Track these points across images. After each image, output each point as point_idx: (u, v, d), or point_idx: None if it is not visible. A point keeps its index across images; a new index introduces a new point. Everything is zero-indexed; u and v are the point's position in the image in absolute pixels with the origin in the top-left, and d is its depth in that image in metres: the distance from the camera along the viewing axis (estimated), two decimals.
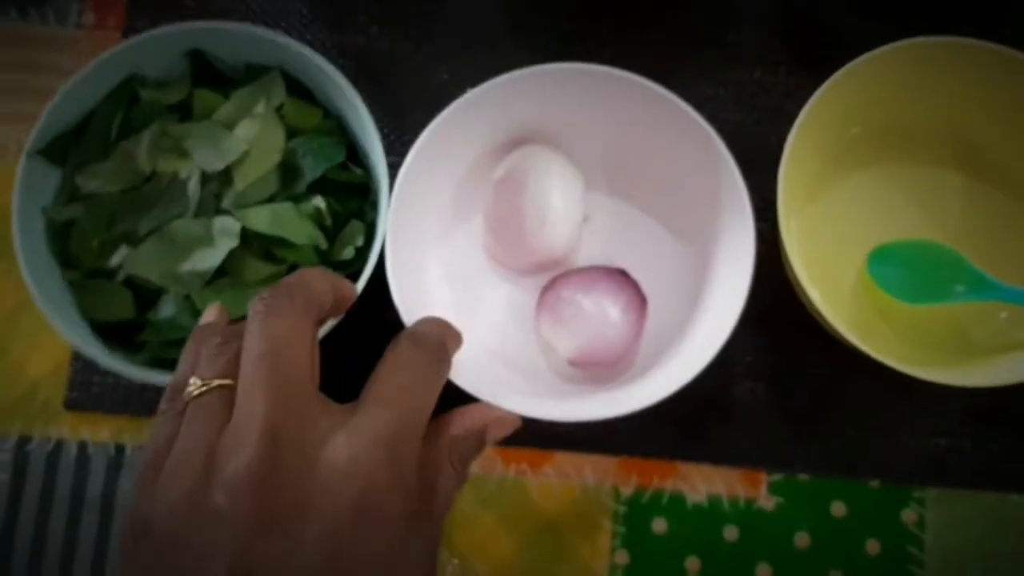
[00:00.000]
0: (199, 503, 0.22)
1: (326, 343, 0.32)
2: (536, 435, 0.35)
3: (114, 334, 0.35)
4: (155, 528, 0.22)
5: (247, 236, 0.34)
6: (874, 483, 0.37)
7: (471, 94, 0.34)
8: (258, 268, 0.34)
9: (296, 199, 0.35)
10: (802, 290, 0.33)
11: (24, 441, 0.39)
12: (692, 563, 0.37)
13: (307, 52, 0.35)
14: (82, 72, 0.35)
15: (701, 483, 0.38)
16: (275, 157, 0.35)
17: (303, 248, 0.34)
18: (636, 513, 0.37)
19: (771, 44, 0.41)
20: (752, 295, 0.38)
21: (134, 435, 0.39)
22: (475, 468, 0.38)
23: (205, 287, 0.34)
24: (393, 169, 0.34)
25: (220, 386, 0.25)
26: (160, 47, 0.36)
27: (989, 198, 0.38)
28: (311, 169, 0.35)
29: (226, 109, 0.36)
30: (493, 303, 0.38)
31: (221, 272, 0.34)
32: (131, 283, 0.35)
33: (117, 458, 0.39)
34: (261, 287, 0.34)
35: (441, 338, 0.29)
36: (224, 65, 0.37)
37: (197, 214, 0.34)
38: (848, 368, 0.37)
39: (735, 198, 0.34)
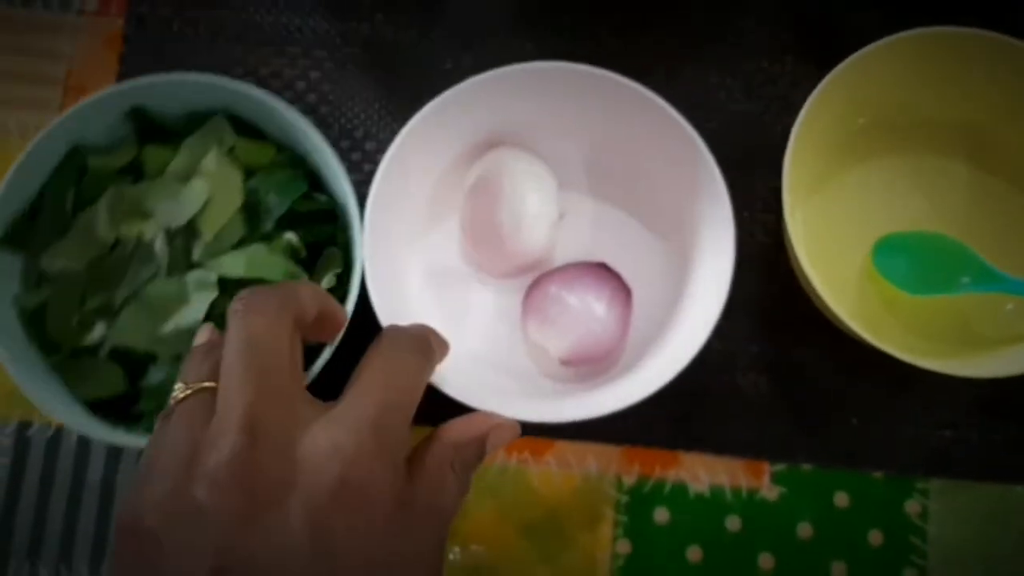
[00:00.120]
0: (182, 500, 0.22)
1: (312, 358, 0.32)
2: (538, 424, 0.35)
3: (109, 405, 0.34)
4: (141, 527, 0.22)
5: (226, 284, 0.33)
6: (877, 474, 0.37)
7: (442, 97, 0.34)
8: None
9: (266, 238, 0.34)
10: (807, 280, 0.33)
11: (24, 426, 0.39)
12: (694, 553, 0.37)
13: (250, 91, 0.34)
14: (24, 154, 0.34)
15: (704, 473, 0.37)
16: (237, 200, 0.34)
17: None
18: (638, 502, 0.37)
19: (778, 34, 0.41)
20: (757, 286, 0.39)
21: None
22: None
23: None
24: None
25: (204, 388, 0.25)
26: (99, 112, 0.35)
27: (995, 189, 0.38)
28: (276, 205, 0.34)
29: (178, 162, 0.35)
30: (478, 309, 0.38)
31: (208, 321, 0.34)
32: (117, 354, 0.34)
33: None
34: None
35: (423, 333, 0.29)
36: (167, 118, 0.36)
37: (170, 272, 0.34)
38: (852, 359, 0.37)
39: (713, 191, 0.34)
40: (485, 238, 0.36)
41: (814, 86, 0.34)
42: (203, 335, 0.29)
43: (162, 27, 0.42)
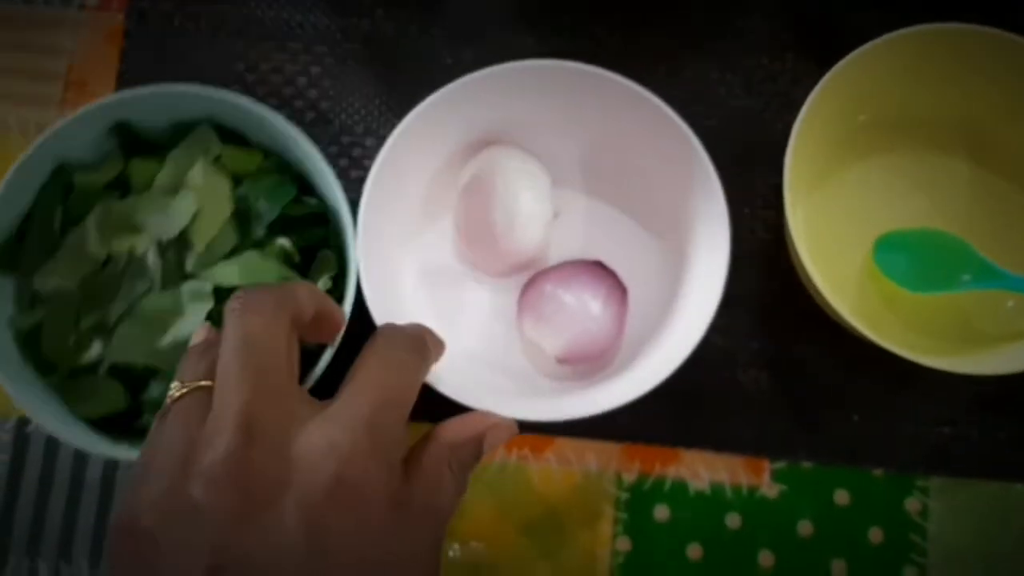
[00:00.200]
0: (178, 498, 0.22)
1: (308, 359, 0.32)
2: (535, 423, 0.35)
3: (111, 421, 0.34)
4: (137, 527, 0.22)
5: (221, 293, 0.33)
6: (878, 471, 0.37)
7: (435, 97, 0.34)
8: None
9: (259, 245, 0.34)
10: (807, 277, 0.33)
11: (24, 422, 0.39)
12: (694, 550, 0.37)
13: (234, 98, 0.34)
14: (9, 175, 0.33)
15: (704, 470, 0.37)
16: (227, 209, 0.34)
17: None
18: (638, 500, 0.37)
19: (779, 30, 0.41)
20: (757, 282, 0.39)
21: None
22: None
23: None
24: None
25: (200, 387, 0.25)
26: (82, 129, 0.34)
27: (996, 187, 0.38)
28: (267, 211, 0.34)
29: (165, 174, 0.35)
30: (473, 307, 0.38)
31: None
32: (116, 371, 0.33)
33: None
34: None
35: (419, 332, 0.29)
36: (151, 131, 0.36)
37: (163, 285, 0.34)
38: (853, 356, 0.37)
39: (708, 188, 0.33)
40: (479, 237, 0.36)
41: (815, 83, 0.34)
42: (200, 334, 0.29)
43: (163, 22, 0.42)
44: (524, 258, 0.36)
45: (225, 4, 0.42)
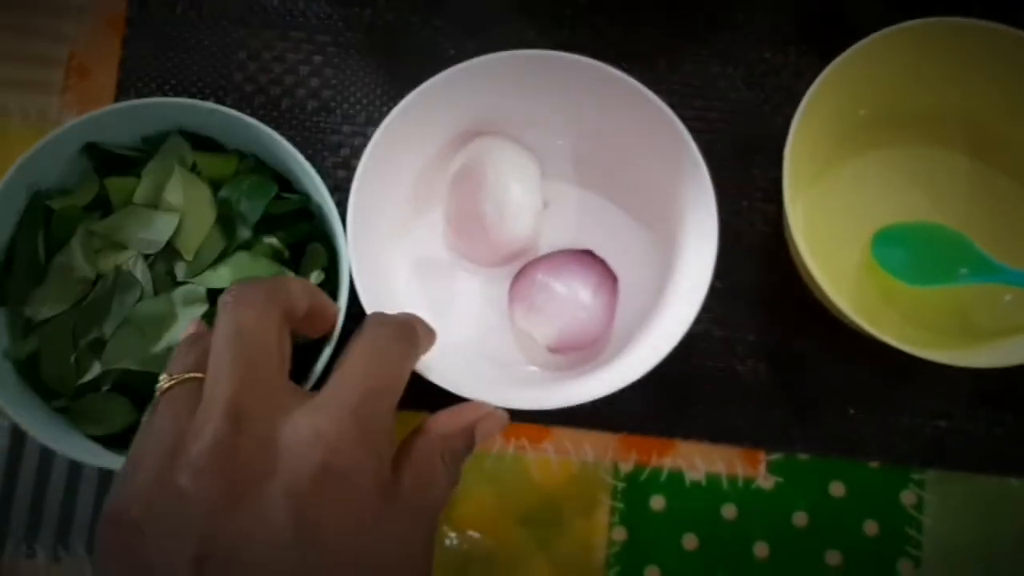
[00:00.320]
0: (164, 488, 0.22)
1: (309, 356, 0.32)
2: (535, 411, 0.35)
3: (123, 436, 0.34)
4: (125, 517, 0.22)
5: (215, 296, 0.33)
6: (874, 464, 0.37)
7: (425, 86, 0.34)
8: None
9: (247, 246, 0.34)
10: (806, 270, 0.33)
11: None
12: (689, 540, 0.37)
13: (200, 105, 0.34)
14: None
15: (700, 461, 0.38)
16: (210, 215, 0.34)
17: None
18: (635, 490, 0.37)
19: (781, 24, 0.41)
20: (756, 275, 0.39)
21: None
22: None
23: None
24: None
25: (189, 379, 0.25)
26: (52, 155, 0.34)
27: (996, 181, 0.38)
28: (251, 211, 0.34)
29: (143, 188, 0.35)
30: (465, 297, 0.38)
31: None
32: (120, 386, 0.33)
33: None
34: None
35: (408, 320, 0.29)
36: (121, 147, 0.36)
37: (156, 293, 0.34)
38: (851, 349, 0.37)
39: (697, 179, 0.34)
40: (469, 228, 0.36)
41: (816, 77, 0.34)
42: (190, 329, 0.30)
43: (165, 9, 0.41)
44: (514, 248, 0.36)
45: None
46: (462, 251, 0.38)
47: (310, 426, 0.23)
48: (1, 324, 0.34)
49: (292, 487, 0.22)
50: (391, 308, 0.33)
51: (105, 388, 0.33)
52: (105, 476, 0.38)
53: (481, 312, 0.38)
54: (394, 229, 0.37)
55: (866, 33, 0.34)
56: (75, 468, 0.38)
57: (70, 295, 0.34)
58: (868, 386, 0.38)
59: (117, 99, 0.41)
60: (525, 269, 0.36)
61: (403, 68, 0.41)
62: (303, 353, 0.32)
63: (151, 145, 0.36)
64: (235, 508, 0.22)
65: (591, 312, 0.35)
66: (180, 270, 0.34)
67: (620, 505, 0.37)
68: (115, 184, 0.35)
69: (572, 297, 0.35)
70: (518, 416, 0.36)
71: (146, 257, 0.34)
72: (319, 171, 0.34)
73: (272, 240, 0.35)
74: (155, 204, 0.35)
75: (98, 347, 0.33)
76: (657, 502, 0.37)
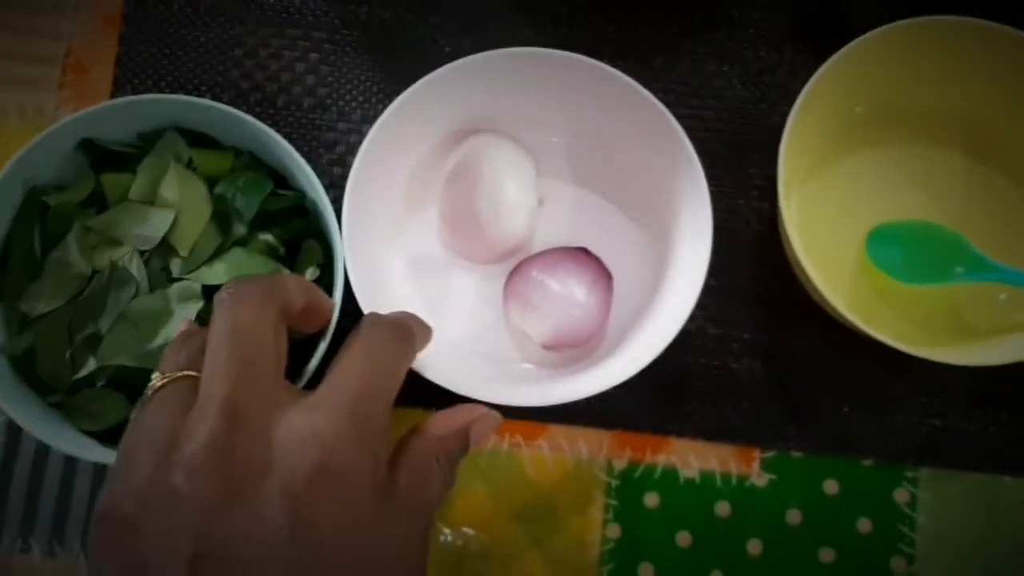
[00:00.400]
0: (159, 487, 0.22)
1: (304, 352, 0.32)
2: (530, 408, 0.35)
3: (116, 431, 0.34)
4: (119, 515, 0.22)
5: (210, 292, 0.33)
6: (867, 462, 0.37)
7: (421, 83, 0.34)
8: None
9: (242, 242, 0.34)
10: (801, 268, 0.33)
11: None
12: (683, 538, 0.37)
13: (196, 101, 0.34)
14: None
15: (694, 458, 0.38)
16: (206, 211, 0.34)
17: None
18: (629, 487, 0.37)
19: (777, 22, 0.41)
20: (752, 272, 0.39)
21: None
22: None
23: None
24: None
25: (183, 376, 0.25)
26: (48, 151, 0.34)
27: (992, 180, 0.38)
28: (246, 207, 0.34)
29: (138, 185, 0.35)
30: (460, 295, 0.38)
31: None
32: (115, 382, 0.33)
33: None
34: None
35: (404, 319, 0.29)
36: (117, 143, 0.36)
37: (151, 289, 0.34)
38: (845, 347, 0.37)
39: (691, 176, 0.34)
40: (464, 225, 0.36)
41: (812, 75, 0.34)
42: (182, 327, 0.30)
43: (162, 7, 0.42)
44: (509, 246, 0.36)
45: None
46: (457, 248, 0.38)
47: (306, 425, 0.23)
48: None
49: (288, 486, 0.22)
50: (386, 305, 0.33)
51: (100, 384, 0.34)
52: (100, 471, 0.38)
53: (476, 309, 0.38)
54: (389, 226, 0.37)
55: (863, 31, 0.34)
56: (70, 463, 0.38)
57: (66, 291, 0.34)
58: (862, 384, 0.38)
59: (114, 96, 0.41)
60: (520, 266, 0.37)
61: (399, 65, 0.41)
62: (297, 349, 0.32)
63: (147, 141, 0.36)
64: (231, 507, 0.21)
65: (586, 309, 0.35)
66: (176, 266, 0.34)
67: (614, 502, 0.37)
68: (111, 180, 0.35)
69: (567, 294, 0.35)
70: (513, 413, 0.36)
71: (142, 253, 0.34)
72: (315, 168, 0.34)
73: (267, 236, 0.35)
74: (151, 200, 0.35)
75: (93, 343, 0.34)
76: (651, 499, 0.37)
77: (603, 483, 0.37)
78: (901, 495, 0.37)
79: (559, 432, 0.38)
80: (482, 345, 0.37)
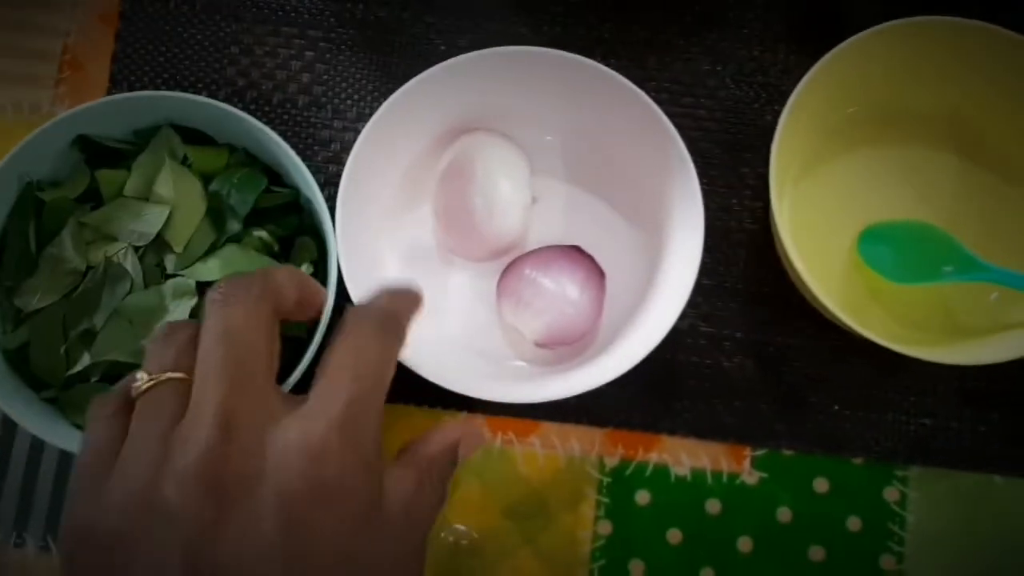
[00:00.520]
0: (150, 500, 0.21)
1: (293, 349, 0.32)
2: (523, 405, 0.35)
3: None
4: (100, 532, 0.21)
5: (204, 289, 0.33)
6: (858, 460, 0.37)
7: (414, 82, 0.34)
8: None
9: (236, 239, 0.35)
10: (793, 267, 0.33)
11: None
12: (674, 535, 0.37)
13: (190, 98, 0.34)
14: None
15: (685, 456, 0.38)
16: (201, 208, 0.34)
17: None
18: (620, 484, 0.37)
19: (771, 22, 0.41)
20: (744, 271, 0.39)
21: None
22: None
23: None
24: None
25: (170, 379, 0.24)
26: (43, 147, 0.34)
27: (983, 180, 0.38)
28: (240, 204, 0.34)
29: (133, 181, 0.35)
30: (454, 292, 0.38)
31: None
32: (109, 378, 0.34)
33: None
34: None
35: (391, 309, 0.28)
36: (113, 140, 0.36)
37: (146, 286, 0.34)
38: (837, 346, 0.37)
39: (683, 173, 0.34)
40: (458, 223, 0.36)
41: (805, 75, 0.34)
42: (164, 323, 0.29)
43: (158, 4, 0.42)
44: (503, 244, 0.36)
45: None
46: (451, 246, 0.38)
47: (299, 434, 0.23)
48: None
49: (281, 498, 0.22)
50: None
51: (94, 379, 0.34)
52: None
53: (470, 307, 0.38)
54: (383, 224, 0.37)
55: (856, 31, 0.34)
56: (65, 458, 0.38)
57: (60, 286, 0.34)
58: (853, 383, 0.38)
59: (110, 92, 0.41)
60: (513, 264, 0.37)
61: (395, 64, 0.41)
62: (287, 345, 0.32)
63: (142, 138, 0.36)
64: (224, 521, 0.21)
65: (578, 307, 0.35)
66: (170, 262, 0.34)
67: (605, 499, 0.37)
68: (106, 176, 0.35)
69: (560, 292, 0.35)
70: (506, 410, 0.36)
71: (136, 249, 0.34)
72: (309, 166, 0.34)
73: (262, 233, 0.35)
74: (146, 197, 0.35)
75: (88, 338, 0.34)
76: (642, 496, 0.37)
77: (595, 480, 0.38)
78: (891, 494, 0.37)
79: (551, 429, 0.38)
80: (475, 342, 0.37)
